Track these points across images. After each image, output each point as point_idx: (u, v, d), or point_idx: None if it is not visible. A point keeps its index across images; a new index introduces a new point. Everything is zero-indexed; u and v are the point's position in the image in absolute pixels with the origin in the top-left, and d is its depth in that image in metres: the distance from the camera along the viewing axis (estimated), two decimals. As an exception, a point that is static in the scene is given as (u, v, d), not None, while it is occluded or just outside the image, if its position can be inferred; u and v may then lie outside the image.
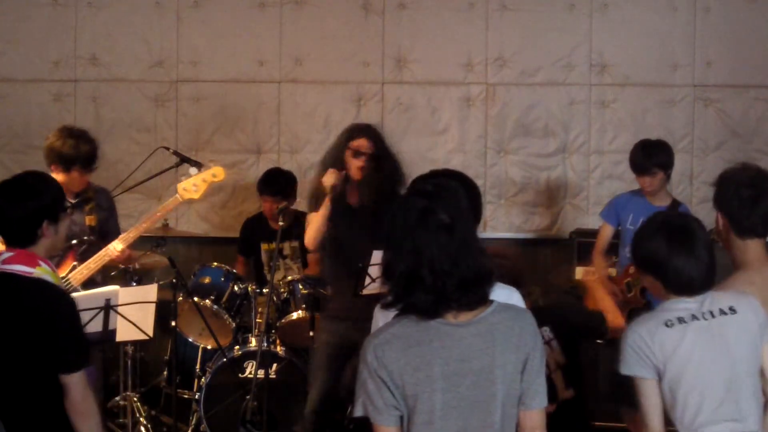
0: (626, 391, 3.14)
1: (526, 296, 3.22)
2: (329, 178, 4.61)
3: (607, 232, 5.66)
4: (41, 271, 3.29)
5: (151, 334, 4.65)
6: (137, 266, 5.37)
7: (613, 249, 5.68)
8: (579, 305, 4.56)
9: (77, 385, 3.15)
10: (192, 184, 5.08)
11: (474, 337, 2.50)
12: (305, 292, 5.46)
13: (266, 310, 5.29)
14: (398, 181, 4.70)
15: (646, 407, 3.02)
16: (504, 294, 2.94)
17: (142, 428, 5.53)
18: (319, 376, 4.84)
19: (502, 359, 2.50)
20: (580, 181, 6.71)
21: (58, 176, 4.69)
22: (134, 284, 5.23)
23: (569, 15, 6.67)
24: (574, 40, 6.67)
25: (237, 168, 6.69)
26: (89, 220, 5.01)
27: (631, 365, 3.02)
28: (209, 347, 5.81)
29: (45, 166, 4.85)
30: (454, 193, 2.60)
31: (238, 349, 5.53)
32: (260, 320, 5.58)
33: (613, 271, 5.72)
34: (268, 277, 5.45)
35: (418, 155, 6.48)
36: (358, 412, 2.54)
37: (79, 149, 4.85)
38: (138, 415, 5.54)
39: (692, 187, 6.61)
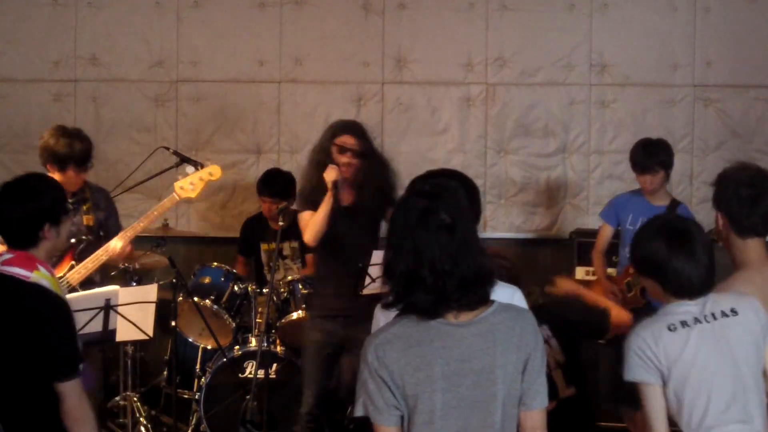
0: (626, 391, 3.13)
1: (526, 296, 3.21)
2: (331, 174, 4.61)
3: (606, 232, 5.67)
4: (39, 276, 3.27)
5: (151, 334, 4.65)
6: (137, 266, 5.38)
7: (613, 249, 5.69)
8: (578, 303, 4.53)
9: (72, 393, 3.07)
10: (189, 183, 5.07)
11: (475, 337, 2.50)
12: (305, 292, 5.47)
13: (266, 310, 5.29)
14: (392, 180, 4.72)
15: (651, 412, 3.00)
16: (506, 293, 2.94)
17: (142, 428, 5.52)
18: (312, 375, 4.84)
19: (502, 359, 2.50)
20: (580, 181, 6.70)
21: (54, 176, 4.66)
22: (134, 284, 5.23)
23: (569, 15, 6.67)
24: (574, 40, 6.66)
25: (237, 168, 6.70)
26: (87, 219, 5.00)
27: (635, 370, 3.00)
28: (209, 347, 5.82)
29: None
30: (454, 193, 2.60)
31: (238, 349, 5.53)
32: (260, 320, 5.58)
33: (613, 271, 5.72)
34: (268, 277, 5.45)
35: (418, 155, 6.49)
36: (359, 411, 2.55)
37: (73, 148, 4.83)
38: (138, 415, 5.53)
39: (692, 187, 6.61)
